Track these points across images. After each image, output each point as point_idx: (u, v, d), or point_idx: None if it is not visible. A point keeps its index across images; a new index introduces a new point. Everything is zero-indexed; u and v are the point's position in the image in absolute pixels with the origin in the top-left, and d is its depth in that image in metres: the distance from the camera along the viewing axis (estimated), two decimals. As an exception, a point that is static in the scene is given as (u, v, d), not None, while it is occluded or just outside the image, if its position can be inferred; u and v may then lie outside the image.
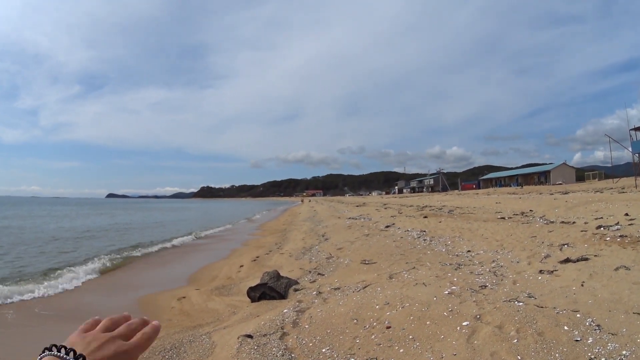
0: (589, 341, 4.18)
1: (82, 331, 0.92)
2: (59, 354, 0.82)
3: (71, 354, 0.82)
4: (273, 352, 4.99)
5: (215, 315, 8.01)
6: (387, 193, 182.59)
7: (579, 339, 4.24)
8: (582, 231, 10.47)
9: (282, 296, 8.07)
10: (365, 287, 7.65)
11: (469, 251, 10.54)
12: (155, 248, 20.35)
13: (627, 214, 12.33)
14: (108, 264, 15.06)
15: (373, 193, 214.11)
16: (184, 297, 9.77)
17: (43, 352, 0.84)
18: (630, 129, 51.13)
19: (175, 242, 22.99)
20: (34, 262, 15.63)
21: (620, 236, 9.22)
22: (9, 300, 9.90)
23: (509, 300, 5.65)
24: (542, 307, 5.24)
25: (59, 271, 13.31)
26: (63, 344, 0.86)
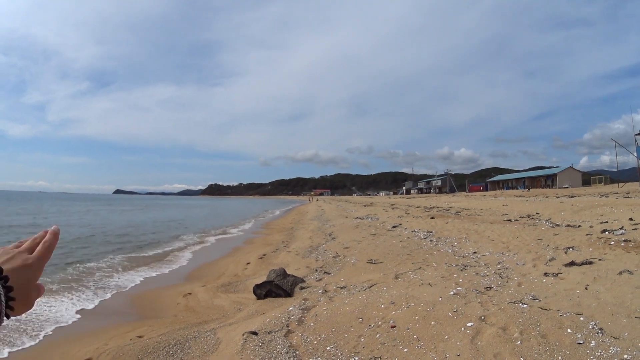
0: (591, 344, 4.21)
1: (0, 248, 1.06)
2: None
3: None
4: (277, 349, 5.05)
5: (220, 312, 8.06)
6: (394, 193, 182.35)
7: (581, 342, 4.26)
8: (587, 235, 10.45)
9: (288, 294, 8.11)
10: (371, 286, 7.70)
11: (475, 252, 10.55)
12: (164, 244, 20.51)
13: (631, 219, 12.27)
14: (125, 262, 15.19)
15: (381, 193, 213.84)
16: (189, 294, 9.83)
17: None
18: (636, 134, 50.83)
19: (184, 239, 23.12)
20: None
21: (625, 241, 9.20)
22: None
23: (514, 302, 5.67)
24: (546, 309, 5.26)
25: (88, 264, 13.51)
26: None
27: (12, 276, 0.95)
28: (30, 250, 1.05)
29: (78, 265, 13.84)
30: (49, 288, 10.58)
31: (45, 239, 1.09)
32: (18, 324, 7.44)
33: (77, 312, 8.74)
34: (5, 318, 0.92)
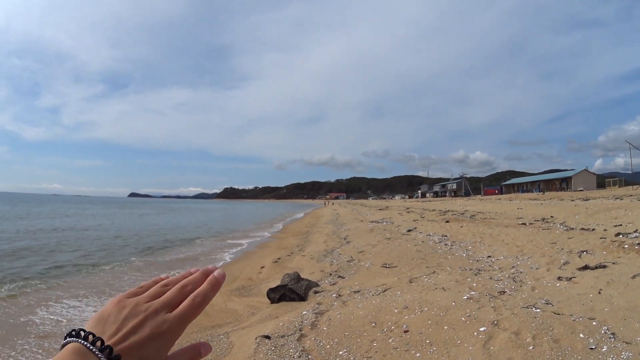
0: (603, 349, 4.19)
1: (127, 295, 0.78)
2: (84, 342, 0.67)
3: (98, 343, 0.67)
4: (290, 354, 5.08)
5: (234, 316, 8.10)
6: (410, 197, 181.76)
7: (593, 347, 4.25)
8: (601, 238, 10.36)
9: (302, 298, 8.13)
10: (385, 290, 7.71)
11: (489, 256, 10.51)
12: (180, 248, 20.72)
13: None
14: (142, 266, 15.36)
15: (396, 197, 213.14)
16: (203, 297, 9.89)
17: (68, 335, 0.70)
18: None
19: (199, 242, 23.30)
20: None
21: (639, 244, 9.11)
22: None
23: (527, 307, 5.66)
24: (559, 314, 5.24)
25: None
26: (95, 312, 0.74)
27: (134, 352, 0.69)
28: (171, 304, 0.76)
29: (92, 267, 14.09)
30: (75, 293, 10.72)
31: (200, 290, 0.79)
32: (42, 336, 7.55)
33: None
34: None
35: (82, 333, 0.69)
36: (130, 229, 32.73)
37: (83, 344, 0.67)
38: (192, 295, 0.77)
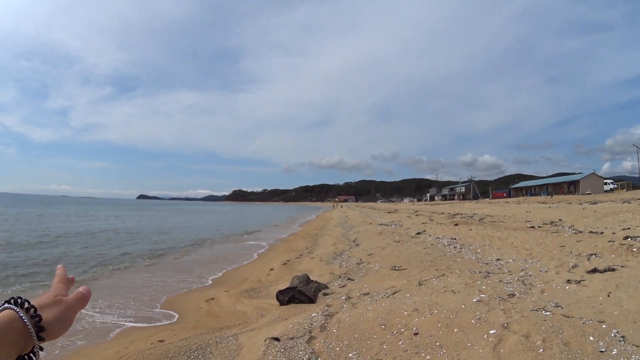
0: (613, 352, 4.17)
1: (63, 283, 1.09)
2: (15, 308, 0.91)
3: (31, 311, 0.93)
4: (299, 356, 5.09)
5: (243, 318, 8.12)
6: (418, 200, 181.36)
7: (603, 350, 4.22)
8: (609, 241, 10.29)
9: (311, 300, 8.14)
10: (394, 293, 7.70)
11: (498, 259, 10.47)
12: (189, 249, 20.81)
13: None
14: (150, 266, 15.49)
15: (405, 200, 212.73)
16: (212, 299, 9.94)
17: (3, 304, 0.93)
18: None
19: (208, 244, 23.39)
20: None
21: (647, 247, 9.07)
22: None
23: (537, 310, 5.63)
24: (568, 316, 5.21)
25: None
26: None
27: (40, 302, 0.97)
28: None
29: (98, 268, 14.25)
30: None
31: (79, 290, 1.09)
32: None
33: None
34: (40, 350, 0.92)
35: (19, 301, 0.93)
36: (137, 230, 32.93)
37: (15, 309, 0.90)
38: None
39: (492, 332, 4.96)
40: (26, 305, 0.92)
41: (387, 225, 24.67)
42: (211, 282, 12.62)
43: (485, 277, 8.38)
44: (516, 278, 8.09)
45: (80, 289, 1.07)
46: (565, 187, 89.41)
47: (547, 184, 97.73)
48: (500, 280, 7.94)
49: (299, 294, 8.26)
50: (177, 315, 8.94)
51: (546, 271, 8.50)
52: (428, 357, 4.66)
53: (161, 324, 8.36)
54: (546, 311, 5.54)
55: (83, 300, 1.06)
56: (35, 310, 0.92)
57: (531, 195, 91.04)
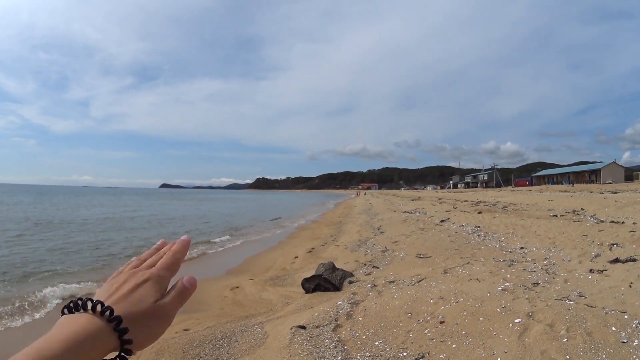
0: (634, 343, 4.10)
1: (116, 273, 0.86)
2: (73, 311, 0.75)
3: (89, 304, 0.74)
4: (326, 344, 5.07)
5: (268, 306, 8.14)
6: (441, 187, 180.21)
7: (625, 341, 4.14)
8: (630, 231, 10.13)
9: (337, 288, 8.11)
10: (419, 281, 7.64)
11: (522, 248, 10.34)
12: (213, 236, 20.99)
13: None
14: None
15: (428, 187, 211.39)
16: (237, 287, 9.98)
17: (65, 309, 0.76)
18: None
19: (233, 232, 23.57)
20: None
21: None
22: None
23: (560, 299, 5.54)
24: (591, 306, 5.13)
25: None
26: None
27: (128, 311, 0.75)
28: (150, 264, 0.87)
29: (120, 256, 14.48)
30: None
31: (173, 248, 0.92)
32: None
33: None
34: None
35: (80, 302, 0.75)
36: (160, 218, 33.34)
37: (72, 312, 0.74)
38: (169, 252, 0.90)
39: (517, 321, 4.89)
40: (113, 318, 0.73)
41: (411, 212, 24.54)
42: (235, 270, 12.67)
43: (509, 266, 8.27)
44: (540, 267, 7.98)
45: (184, 281, 0.86)
46: (586, 175, 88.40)
47: (569, 172, 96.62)
48: (525, 269, 7.83)
49: (324, 281, 8.23)
50: (201, 304, 8.98)
51: (569, 260, 8.37)
52: (454, 346, 4.61)
53: (185, 312, 8.38)
54: (570, 300, 5.45)
55: (184, 295, 0.86)
56: (126, 331, 0.73)
57: (553, 183, 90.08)
